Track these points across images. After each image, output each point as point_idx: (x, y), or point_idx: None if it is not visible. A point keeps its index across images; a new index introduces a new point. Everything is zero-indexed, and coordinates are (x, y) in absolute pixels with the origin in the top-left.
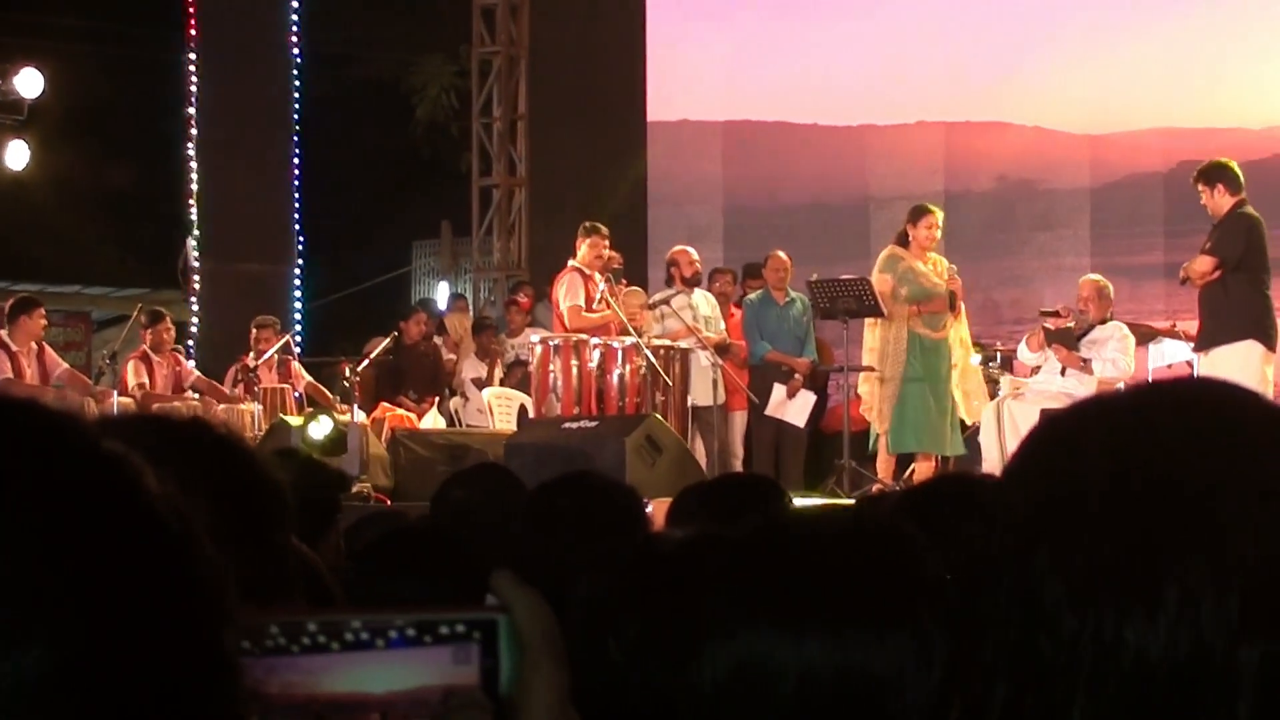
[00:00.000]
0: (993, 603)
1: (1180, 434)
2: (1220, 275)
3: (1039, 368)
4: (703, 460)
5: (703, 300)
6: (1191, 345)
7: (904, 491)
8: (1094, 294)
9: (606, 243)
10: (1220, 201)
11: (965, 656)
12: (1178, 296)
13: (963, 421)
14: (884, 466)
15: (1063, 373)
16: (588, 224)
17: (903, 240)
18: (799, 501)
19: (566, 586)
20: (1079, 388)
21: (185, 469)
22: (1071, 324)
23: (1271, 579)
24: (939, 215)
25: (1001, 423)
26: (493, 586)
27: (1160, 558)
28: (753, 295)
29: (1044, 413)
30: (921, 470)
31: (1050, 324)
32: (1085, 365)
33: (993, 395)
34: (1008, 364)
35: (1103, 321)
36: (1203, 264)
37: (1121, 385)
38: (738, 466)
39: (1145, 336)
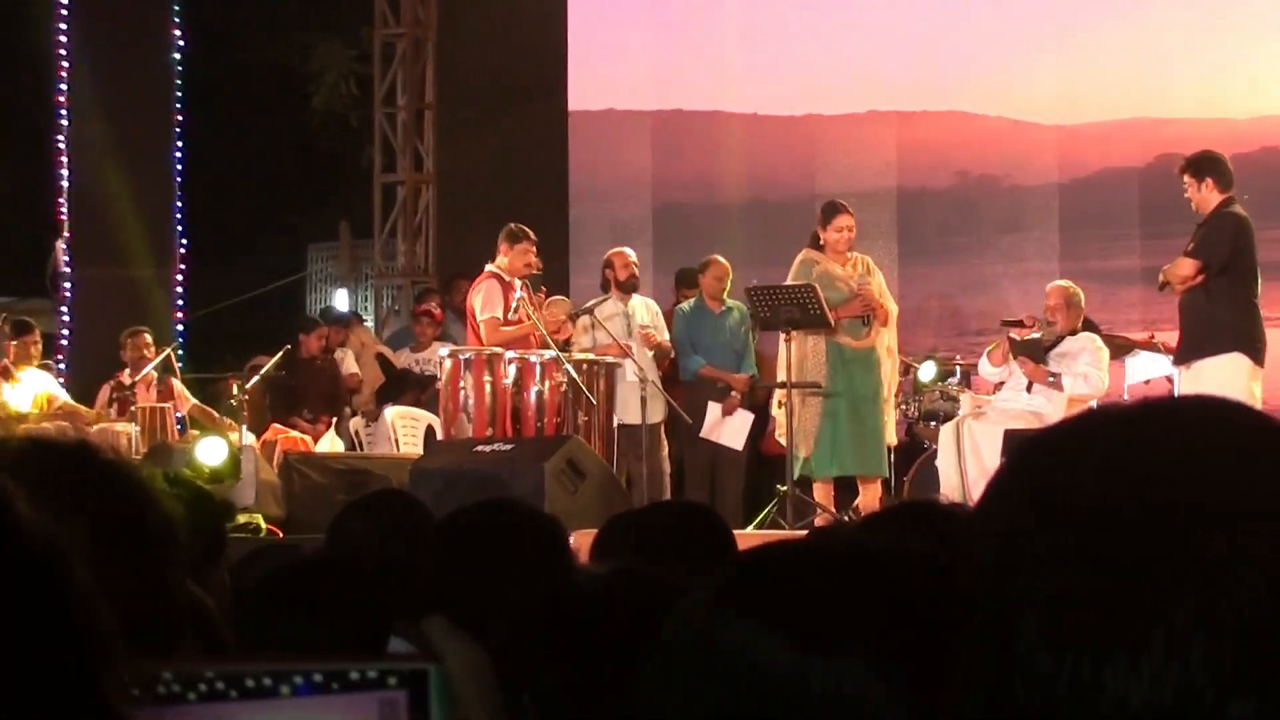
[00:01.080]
0: (965, 639)
1: (1179, 458)
2: (1204, 281)
3: (1002, 384)
4: (631, 487)
5: (641, 307)
6: (1171, 358)
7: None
8: (1062, 301)
9: (535, 250)
10: (1207, 197)
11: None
12: (1156, 304)
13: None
14: (822, 494)
15: (1029, 389)
16: (514, 227)
17: (815, 242)
18: (738, 534)
19: (478, 629)
20: (1046, 406)
21: (68, 497)
22: (1038, 334)
23: (1272, 624)
24: (851, 216)
25: (961, 444)
26: (424, 633)
27: (1148, 595)
28: (684, 304)
29: (1008, 434)
30: (868, 497)
31: (1015, 334)
32: (1054, 381)
33: (950, 416)
34: (967, 379)
35: (1073, 332)
36: (1184, 268)
37: (1094, 403)
38: (669, 494)
39: (1120, 349)
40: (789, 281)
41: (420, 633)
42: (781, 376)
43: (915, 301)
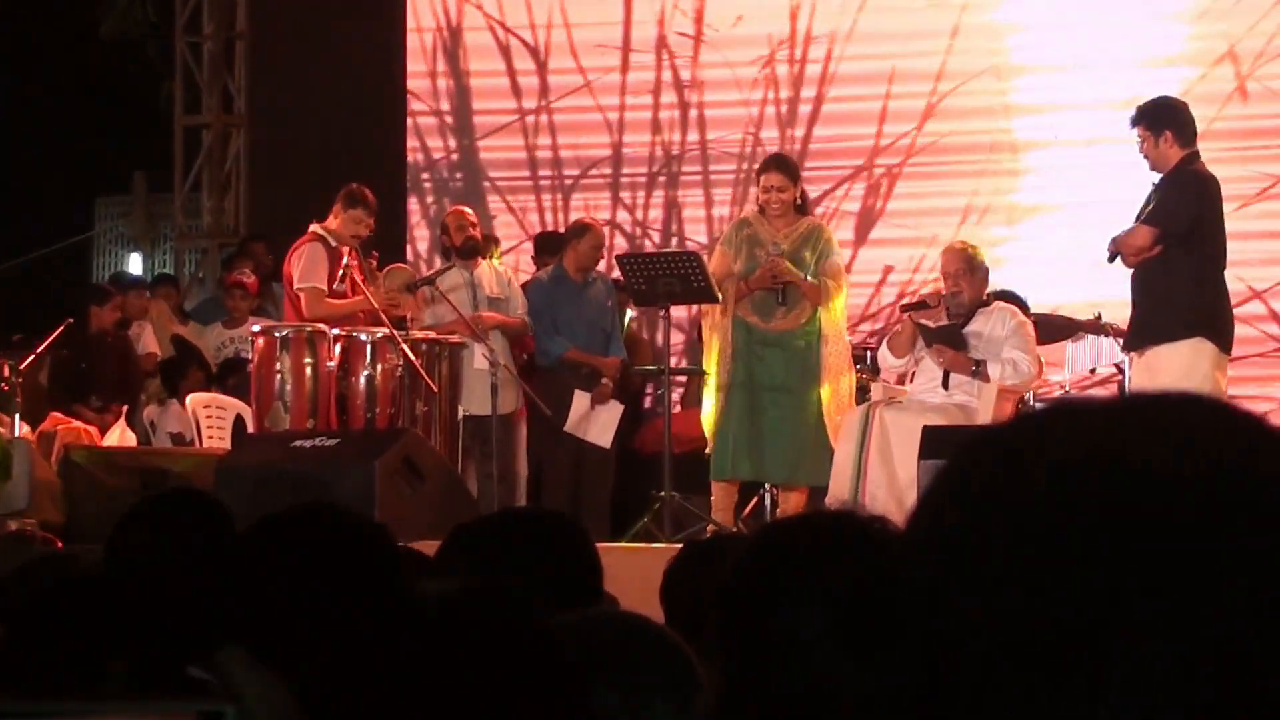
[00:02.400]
0: (893, 665)
1: (1158, 467)
2: (1161, 252)
3: (907, 376)
4: (479, 491)
5: (491, 275)
6: (1121, 343)
7: (752, 537)
8: (963, 265)
9: (370, 220)
10: (1165, 153)
11: None
12: (1104, 278)
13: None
14: (722, 500)
15: (945, 382)
16: (355, 189)
17: (761, 206)
18: (603, 547)
19: (290, 662)
20: (972, 399)
21: None
22: (947, 314)
23: (1255, 660)
24: (781, 175)
25: (869, 434)
26: (219, 668)
27: (1110, 623)
28: (542, 274)
29: (927, 430)
30: (791, 506)
31: (924, 319)
32: (979, 370)
33: (860, 402)
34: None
35: (983, 303)
36: (1139, 236)
37: (1030, 396)
38: (523, 499)
39: (1061, 331)
40: (720, 245)
41: (217, 666)
42: (709, 361)
43: None
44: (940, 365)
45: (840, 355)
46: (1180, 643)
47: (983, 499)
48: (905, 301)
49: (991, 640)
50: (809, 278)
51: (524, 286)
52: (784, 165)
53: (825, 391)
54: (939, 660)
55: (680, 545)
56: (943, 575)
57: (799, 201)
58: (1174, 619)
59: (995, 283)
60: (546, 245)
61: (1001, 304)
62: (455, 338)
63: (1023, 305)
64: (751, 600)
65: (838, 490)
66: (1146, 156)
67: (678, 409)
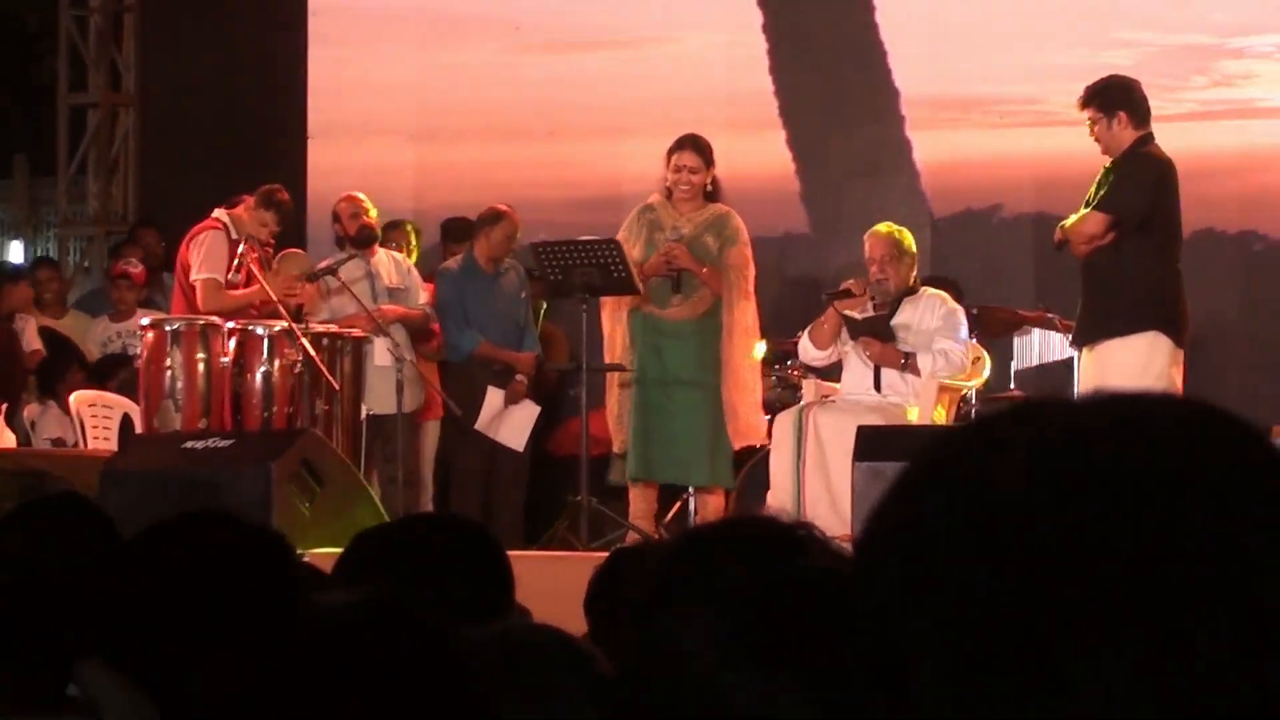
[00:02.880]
0: (792, 680)
1: (1135, 471)
2: (1114, 240)
3: (830, 371)
4: (383, 495)
5: (390, 265)
6: (1069, 338)
7: (666, 545)
8: (890, 251)
9: (279, 228)
10: (1119, 136)
11: None
12: (1052, 271)
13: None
14: (641, 505)
15: (877, 383)
16: (274, 192)
17: (668, 189)
18: (516, 555)
19: (174, 678)
20: (907, 396)
21: None
22: (873, 303)
23: (1234, 681)
24: (695, 155)
25: (804, 438)
26: (76, 678)
27: (1077, 637)
28: (451, 263)
29: (862, 431)
30: (709, 509)
31: (849, 309)
32: (908, 363)
33: (785, 405)
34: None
35: (910, 290)
36: (1090, 223)
37: (973, 390)
38: (429, 504)
39: (1006, 326)
40: (622, 232)
41: (77, 679)
42: (611, 355)
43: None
44: (868, 359)
45: (745, 351)
46: (1153, 657)
47: (944, 505)
48: (829, 290)
49: (952, 653)
50: (713, 265)
51: (432, 277)
52: (700, 146)
53: (727, 387)
54: (892, 674)
55: (598, 553)
56: (901, 586)
57: (709, 188)
58: (1145, 633)
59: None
60: (454, 232)
61: (931, 291)
62: (357, 331)
63: (956, 291)
64: (642, 609)
65: (778, 499)
66: (1098, 139)
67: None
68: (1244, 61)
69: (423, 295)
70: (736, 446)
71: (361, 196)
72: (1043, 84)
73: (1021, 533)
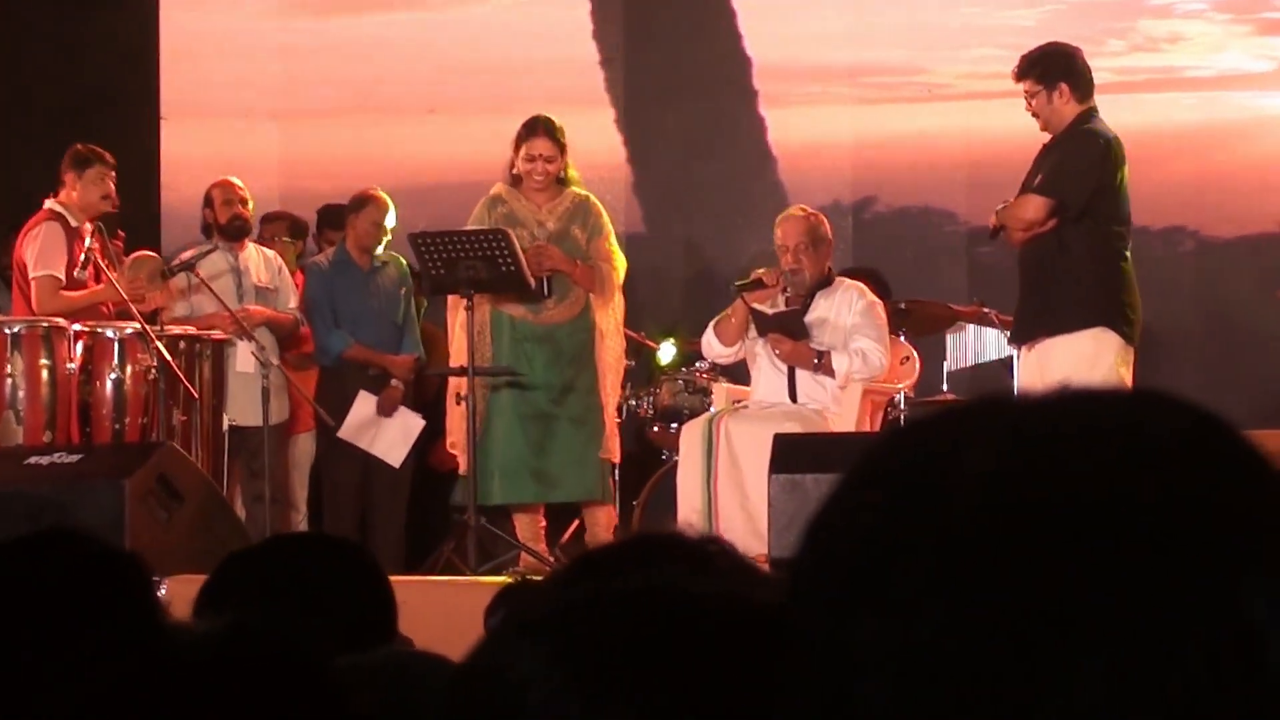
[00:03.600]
0: (787, 703)
1: (1094, 473)
2: (1056, 226)
3: (742, 373)
4: (249, 515)
5: (259, 262)
6: (1008, 335)
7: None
8: (805, 238)
9: (113, 176)
10: (1060, 111)
11: None
12: (986, 264)
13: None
14: (527, 527)
15: (793, 391)
16: (82, 149)
17: (513, 174)
18: (398, 581)
19: (28, 711)
20: (825, 399)
21: None
22: (785, 296)
23: (1213, 703)
24: (550, 142)
25: (715, 450)
26: None
27: (1041, 652)
28: (321, 258)
29: (779, 439)
30: (599, 525)
31: (758, 303)
32: (822, 363)
33: (698, 413)
34: (726, 369)
35: (825, 281)
36: (1029, 208)
37: (901, 394)
38: (301, 523)
39: (937, 322)
40: (470, 226)
41: None
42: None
43: (650, 260)
44: (779, 358)
45: (617, 354)
46: (1129, 677)
47: (891, 517)
48: (738, 280)
49: (900, 675)
50: (583, 260)
51: (301, 272)
52: (553, 130)
53: (601, 395)
54: (827, 697)
55: (488, 579)
56: (844, 603)
57: (562, 174)
58: (1117, 652)
59: None
60: (327, 219)
61: (847, 282)
62: (218, 334)
63: (878, 283)
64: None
65: (688, 516)
66: (1036, 114)
67: None
68: (1169, 22)
69: (294, 298)
70: (613, 458)
71: (238, 183)
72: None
73: (979, 543)
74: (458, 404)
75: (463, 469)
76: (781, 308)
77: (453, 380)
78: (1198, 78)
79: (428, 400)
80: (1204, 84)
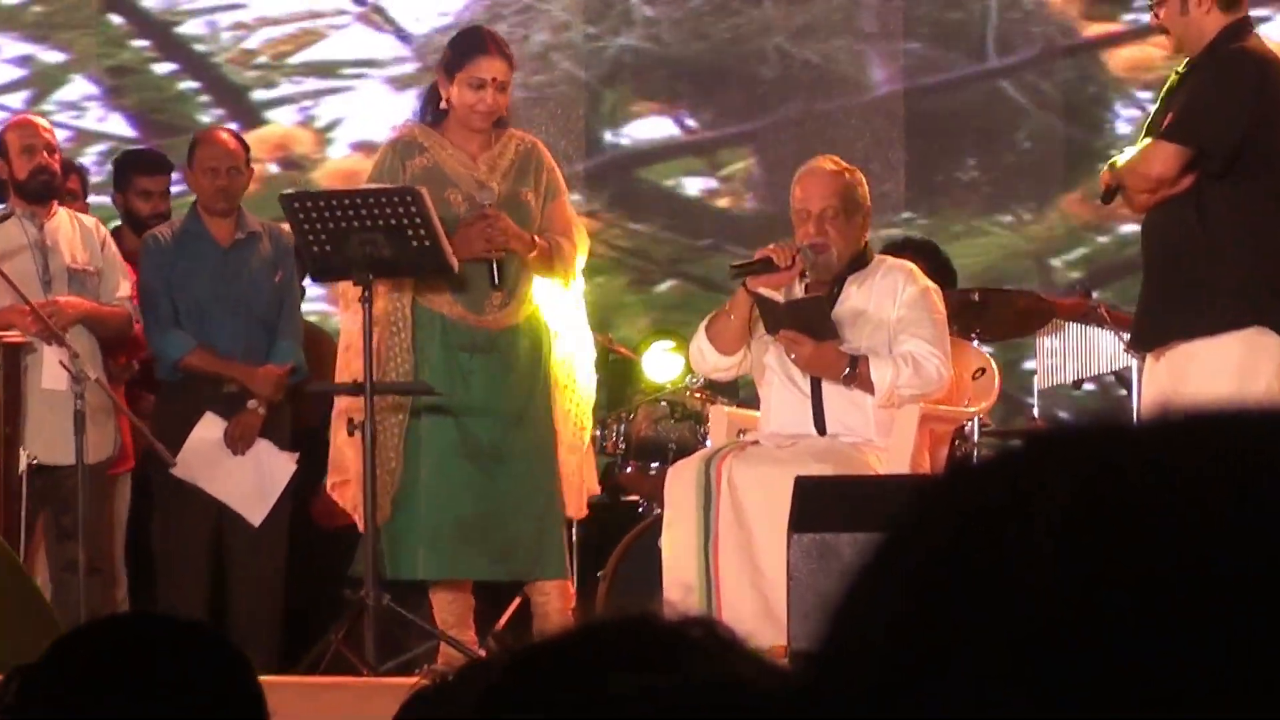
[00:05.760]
0: None
1: (1248, 537)
2: (1193, 186)
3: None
4: (54, 588)
5: (74, 234)
6: (1125, 339)
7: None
8: (835, 201)
9: None
10: (1200, 23)
11: None
12: (1089, 238)
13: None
14: (448, 606)
15: (817, 405)
16: None
17: (434, 106)
18: (270, 682)
19: None
20: (859, 432)
21: None
22: (804, 281)
23: None
24: (504, 62)
25: (715, 501)
26: None
27: None
28: (163, 228)
29: (800, 483)
30: (550, 605)
31: (767, 290)
32: (856, 372)
33: (687, 448)
34: (727, 387)
35: (860, 260)
36: (1156, 159)
37: (975, 418)
38: (123, 600)
39: (1026, 320)
40: (368, 183)
41: None
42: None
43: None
44: (796, 365)
45: (587, 369)
46: None
47: (954, 579)
48: (738, 261)
49: None
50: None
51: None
52: (504, 48)
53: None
54: None
55: (396, 679)
56: (886, 689)
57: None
58: None
59: None
60: (144, 164)
61: (891, 261)
62: (13, 336)
63: (938, 263)
64: None
65: (675, 591)
66: (1166, 28)
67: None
68: None
69: (125, 284)
70: (573, 515)
71: (41, 121)
72: None
73: (1070, 609)
74: (350, 435)
75: (361, 525)
76: (799, 296)
77: (343, 402)
78: None
79: (311, 427)
80: None
